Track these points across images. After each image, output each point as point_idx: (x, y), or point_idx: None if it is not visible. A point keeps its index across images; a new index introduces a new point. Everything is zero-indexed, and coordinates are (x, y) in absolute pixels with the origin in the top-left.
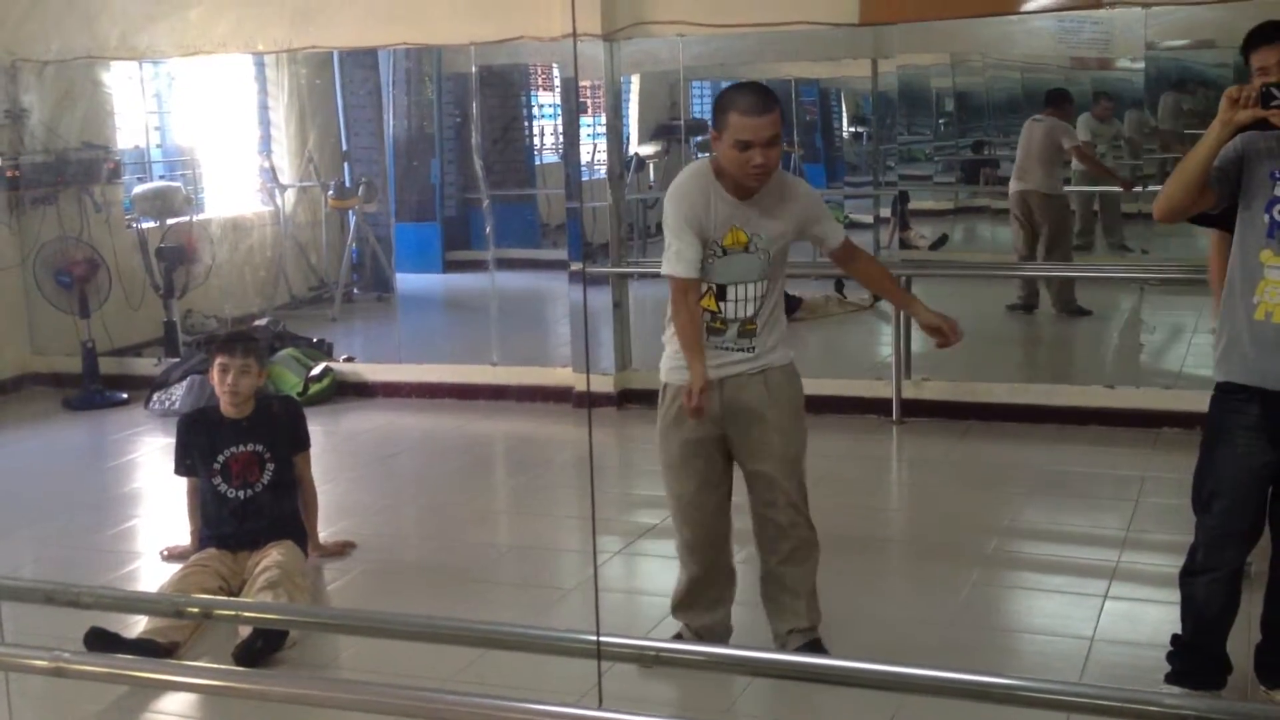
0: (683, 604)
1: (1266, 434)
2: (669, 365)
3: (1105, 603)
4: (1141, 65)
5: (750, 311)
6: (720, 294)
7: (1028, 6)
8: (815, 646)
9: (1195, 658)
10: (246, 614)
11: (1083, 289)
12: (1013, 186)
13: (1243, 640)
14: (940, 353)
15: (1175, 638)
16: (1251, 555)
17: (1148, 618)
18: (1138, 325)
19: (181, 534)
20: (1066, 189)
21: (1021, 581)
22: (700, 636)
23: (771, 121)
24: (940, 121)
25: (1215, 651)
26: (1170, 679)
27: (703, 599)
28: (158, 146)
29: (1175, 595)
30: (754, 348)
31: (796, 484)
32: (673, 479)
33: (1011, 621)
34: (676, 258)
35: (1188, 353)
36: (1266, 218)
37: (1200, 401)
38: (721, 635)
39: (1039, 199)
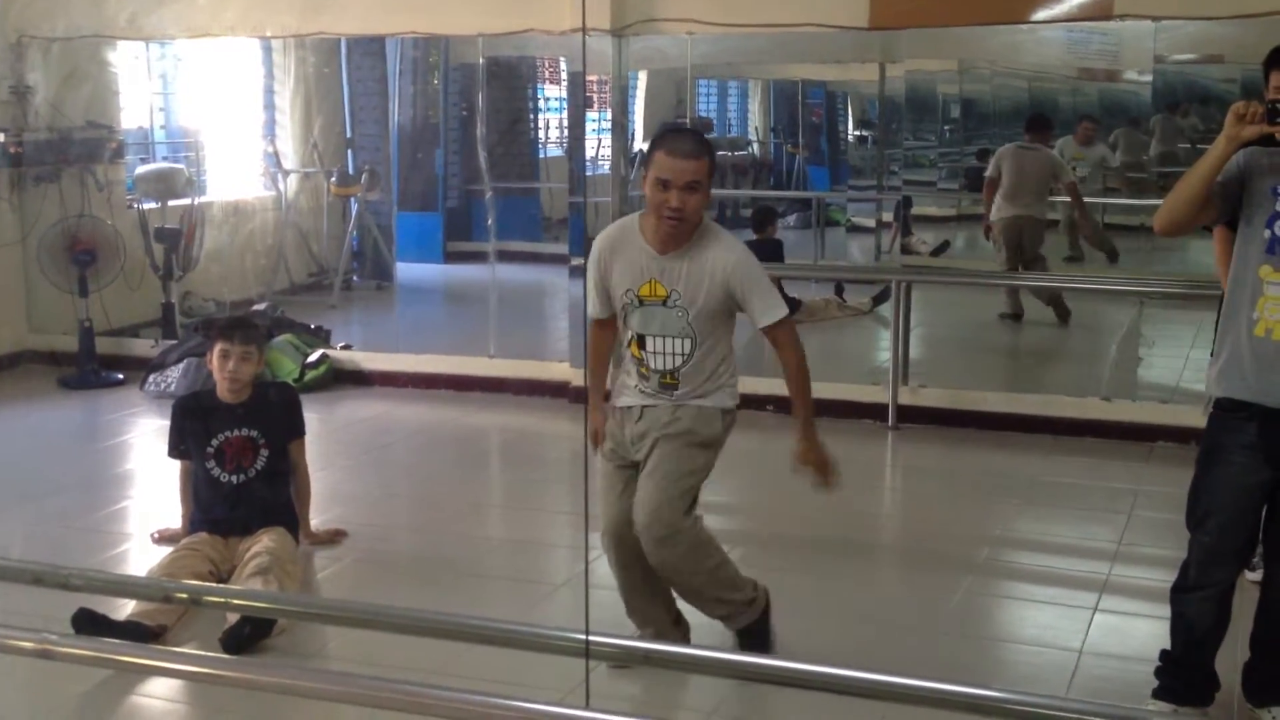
0: (627, 611)
1: (1263, 452)
2: (613, 388)
3: (1095, 615)
4: (1149, 78)
5: (671, 365)
6: (641, 343)
7: (1038, 16)
8: (749, 633)
9: (1184, 674)
10: (236, 601)
11: (1081, 301)
12: (1003, 211)
13: (1231, 657)
14: (938, 360)
15: (1164, 653)
16: (1257, 559)
17: (1137, 632)
18: (1136, 339)
19: (173, 517)
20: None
21: (1012, 591)
22: (658, 637)
23: (695, 167)
24: (945, 128)
25: (1204, 668)
26: (1157, 694)
27: (638, 610)
28: (161, 128)
29: (1165, 610)
30: (673, 395)
31: (668, 499)
32: (600, 499)
33: (1001, 631)
34: (589, 297)
35: (1184, 367)
36: (1267, 233)
37: (1195, 416)
38: (668, 635)
39: (1032, 224)
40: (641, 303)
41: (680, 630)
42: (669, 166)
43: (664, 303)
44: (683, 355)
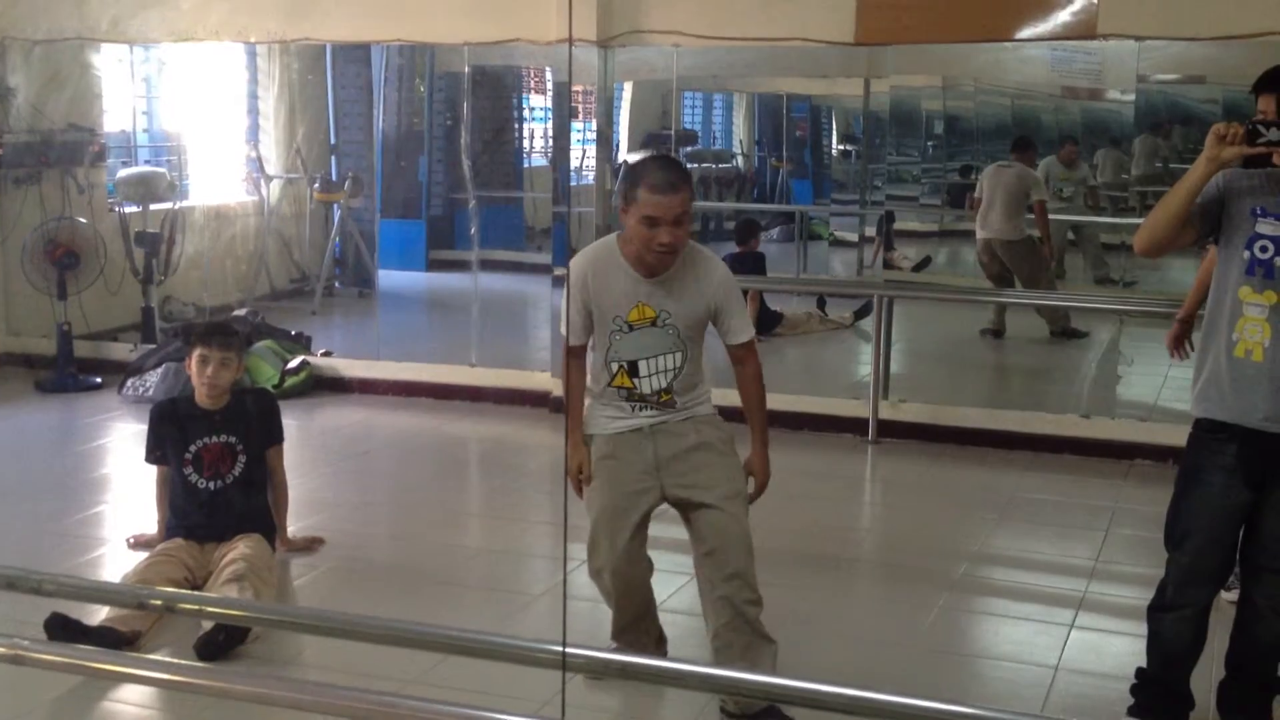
0: (615, 634)
1: (1242, 474)
2: (592, 418)
3: (1071, 632)
4: (1132, 98)
5: (665, 383)
6: (633, 370)
7: (1022, 34)
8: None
9: (1159, 692)
10: (210, 609)
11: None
12: (978, 233)
13: (1206, 676)
14: (918, 375)
15: (1140, 671)
16: (1233, 579)
17: (1113, 649)
18: (1115, 356)
19: (149, 522)
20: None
21: (989, 607)
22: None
23: (681, 200)
24: (929, 144)
25: (1179, 687)
26: (1133, 712)
27: (629, 634)
28: (144, 131)
29: (1141, 627)
30: (675, 409)
31: (745, 544)
32: (610, 528)
33: (977, 647)
34: (568, 323)
35: (1163, 385)
36: (1246, 254)
37: (1174, 435)
38: (648, 650)
39: (1001, 245)
40: (631, 328)
41: (660, 648)
42: (656, 204)
43: (654, 323)
44: (674, 370)
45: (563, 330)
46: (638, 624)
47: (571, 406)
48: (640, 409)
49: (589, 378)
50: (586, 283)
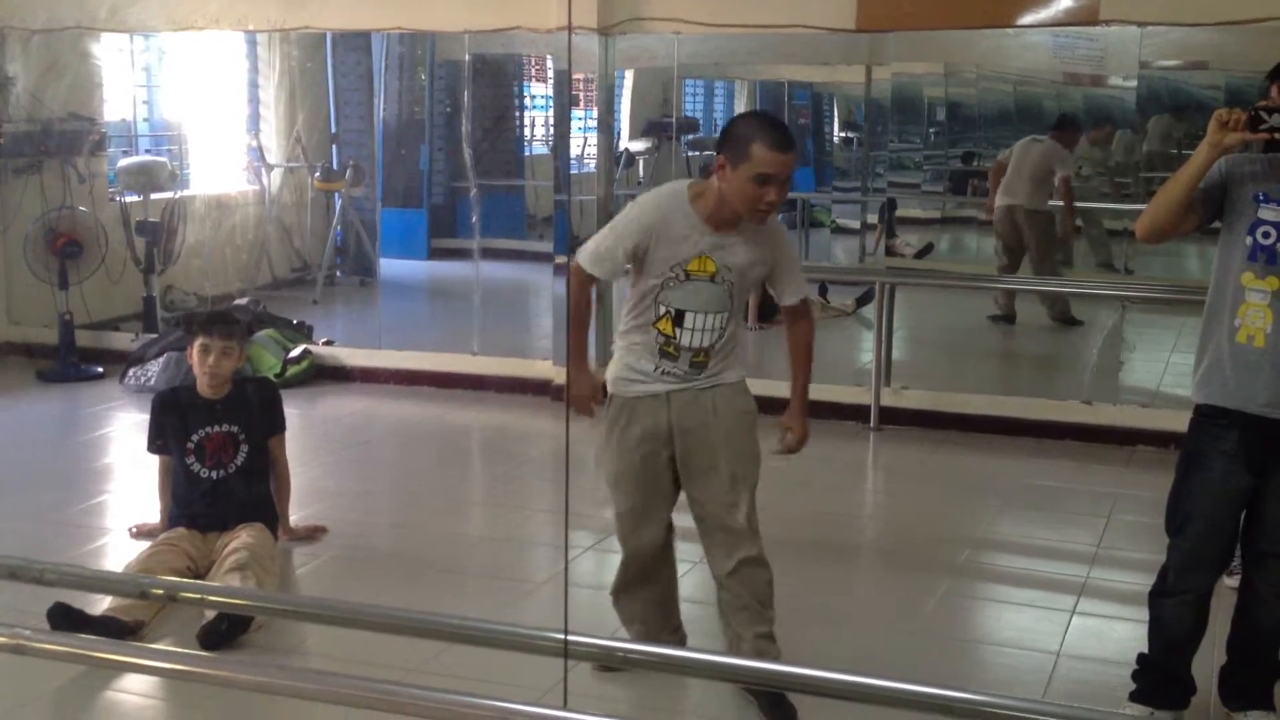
0: (619, 591)
1: (1244, 459)
2: (615, 375)
3: (1073, 618)
4: (1134, 84)
5: (706, 342)
6: (678, 319)
7: (1024, 20)
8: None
9: (1160, 678)
10: (213, 598)
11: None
12: (998, 201)
13: (1208, 661)
14: (920, 361)
15: (1141, 656)
16: (1235, 564)
17: (1114, 635)
18: (1118, 342)
19: (151, 512)
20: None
21: (991, 593)
22: (644, 636)
23: (794, 157)
24: (931, 130)
25: (1180, 673)
26: (1134, 697)
27: (626, 596)
28: (144, 120)
29: (1143, 613)
30: (704, 372)
31: (746, 506)
32: (619, 494)
33: (979, 633)
34: (596, 252)
35: (1166, 371)
36: (1249, 240)
37: (1176, 421)
38: (666, 638)
39: (1024, 215)
40: (688, 277)
41: (677, 638)
42: (775, 162)
43: (711, 278)
44: (718, 330)
45: (585, 256)
46: (641, 585)
47: (579, 328)
48: (665, 373)
49: (625, 319)
50: (653, 225)
